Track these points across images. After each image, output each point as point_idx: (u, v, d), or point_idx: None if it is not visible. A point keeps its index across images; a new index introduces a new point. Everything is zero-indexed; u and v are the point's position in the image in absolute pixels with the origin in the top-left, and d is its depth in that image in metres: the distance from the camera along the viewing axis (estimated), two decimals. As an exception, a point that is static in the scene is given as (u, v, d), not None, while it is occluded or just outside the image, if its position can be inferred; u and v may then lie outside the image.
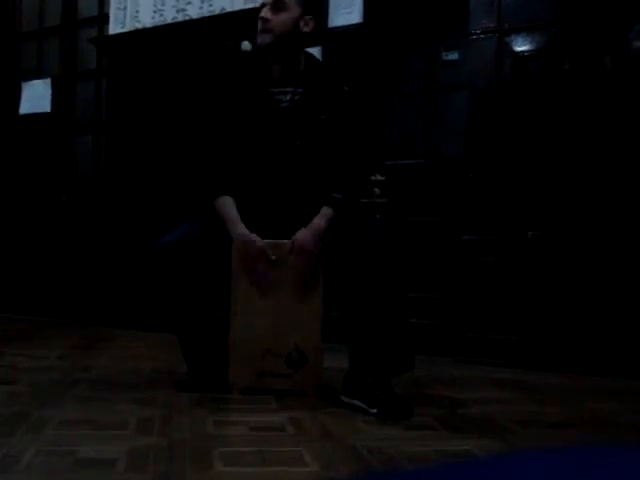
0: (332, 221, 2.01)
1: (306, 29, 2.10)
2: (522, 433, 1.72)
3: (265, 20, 2.06)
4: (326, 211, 2.02)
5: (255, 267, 2.03)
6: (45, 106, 4.28)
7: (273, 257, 2.03)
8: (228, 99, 2.16)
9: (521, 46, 2.77)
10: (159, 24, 3.77)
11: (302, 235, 2.01)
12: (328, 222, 2.01)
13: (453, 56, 3.21)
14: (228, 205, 2.07)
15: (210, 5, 3.64)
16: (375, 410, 1.84)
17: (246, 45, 3.30)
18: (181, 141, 3.38)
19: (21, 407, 1.85)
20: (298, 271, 2.02)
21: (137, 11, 3.87)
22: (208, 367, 2.13)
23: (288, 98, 2.11)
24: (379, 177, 2.99)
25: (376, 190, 3.02)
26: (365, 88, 3.16)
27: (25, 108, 4.36)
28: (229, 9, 3.56)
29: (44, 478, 1.33)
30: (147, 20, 3.83)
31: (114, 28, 3.94)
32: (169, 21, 3.75)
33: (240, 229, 2.03)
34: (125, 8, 3.91)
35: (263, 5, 2.10)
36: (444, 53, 3.23)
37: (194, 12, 3.68)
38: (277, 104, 2.10)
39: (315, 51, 3.10)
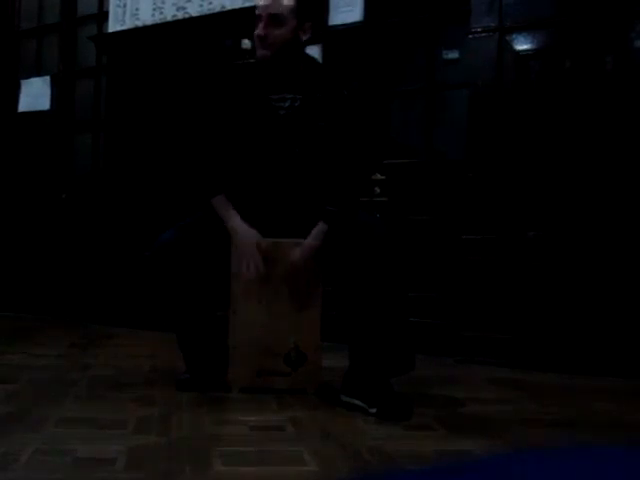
0: (327, 235, 1.99)
1: (305, 37, 2.08)
2: (522, 433, 1.71)
3: (262, 37, 2.03)
4: (321, 227, 1.99)
5: (252, 260, 2.02)
6: (44, 104, 4.27)
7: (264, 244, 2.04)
8: (226, 105, 2.14)
9: (522, 45, 2.76)
10: (159, 22, 3.77)
11: (295, 256, 2.00)
12: (322, 239, 1.99)
13: (454, 55, 3.20)
14: (224, 202, 2.07)
15: (210, 3, 3.64)
16: (375, 410, 1.84)
17: (246, 44, 3.30)
18: (180, 139, 3.37)
19: (20, 405, 1.85)
20: (296, 284, 2.03)
21: (137, 9, 3.86)
22: (207, 366, 2.13)
23: (287, 105, 2.08)
24: (379, 176, 2.99)
25: (376, 189, 3.02)
26: (365, 86, 3.15)
27: (24, 105, 4.36)
28: (229, 7, 3.56)
29: (43, 476, 1.32)
30: (147, 18, 3.83)
31: (114, 26, 3.94)
32: (169, 19, 3.75)
33: (237, 222, 2.03)
34: (125, 6, 3.90)
35: (259, 19, 2.04)
36: (444, 52, 3.22)
37: (194, 10, 3.68)
38: (276, 111, 2.08)
39: (315, 49, 3.10)
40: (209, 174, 2.12)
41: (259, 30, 2.03)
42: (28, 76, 4.38)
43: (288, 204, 2.08)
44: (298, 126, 2.07)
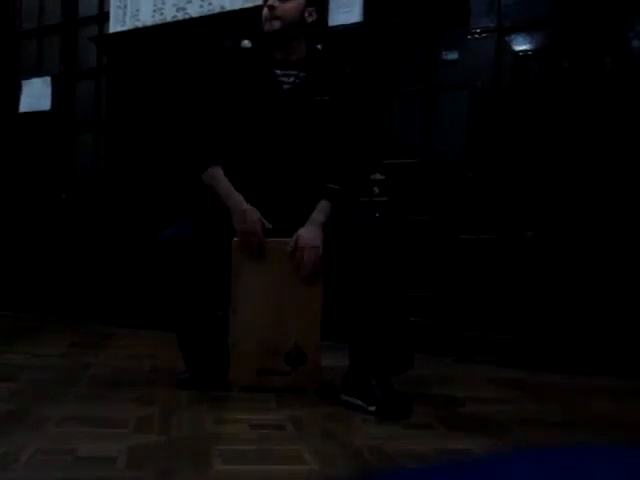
0: (331, 214, 2.01)
1: (310, 19, 2.14)
2: (521, 432, 1.71)
3: (272, 7, 2.08)
4: (324, 204, 2.02)
5: (253, 236, 2.02)
6: (45, 104, 4.28)
7: (269, 225, 2.03)
8: (230, 81, 2.17)
9: (521, 45, 2.77)
10: (159, 23, 3.78)
11: (304, 232, 2.00)
12: (327, 215, 2.01)
13: (453, 55, 3.20)
14: (219, 176, 2.08)
15: (210, 4, 3.64)
16: (374, 408, 1.84)
17: (246, 44, 3.30)
18: (178, 136, 3.37)
19: (21, 404, 1.85)
20: (303, 267, 2.01)
21: (137, 10, 3.87)
22: (207, 365, 2.13)
23: (291, 80, 2.13)
24: (379, 176, 2.99)
25: (375, 189, 3.02)
26: (365, 87, 3.16)
27: (25, 106, 4.37)
28: (229, 8, 3.56)
29: (44, 476, 1.32)
30: (147, 19, 3.83)
31: (114, 26, 3.94)
32: (169, 20, 3.75)
33: (236, 198, 2.04)
34: (125, 7, 3.91)
35: None
36: (444, 52, 3.22)
37: (194, 11, 3.69)
38: (280, 85, 2.12)
39: (315, 50, 3.10)
40: (203, 148, 2.13)
41: (270, 1, 2.08)
42: (29, 76, 4.39)
43: (291, 179, 2.08)
44: (302, 100, 2.11)
